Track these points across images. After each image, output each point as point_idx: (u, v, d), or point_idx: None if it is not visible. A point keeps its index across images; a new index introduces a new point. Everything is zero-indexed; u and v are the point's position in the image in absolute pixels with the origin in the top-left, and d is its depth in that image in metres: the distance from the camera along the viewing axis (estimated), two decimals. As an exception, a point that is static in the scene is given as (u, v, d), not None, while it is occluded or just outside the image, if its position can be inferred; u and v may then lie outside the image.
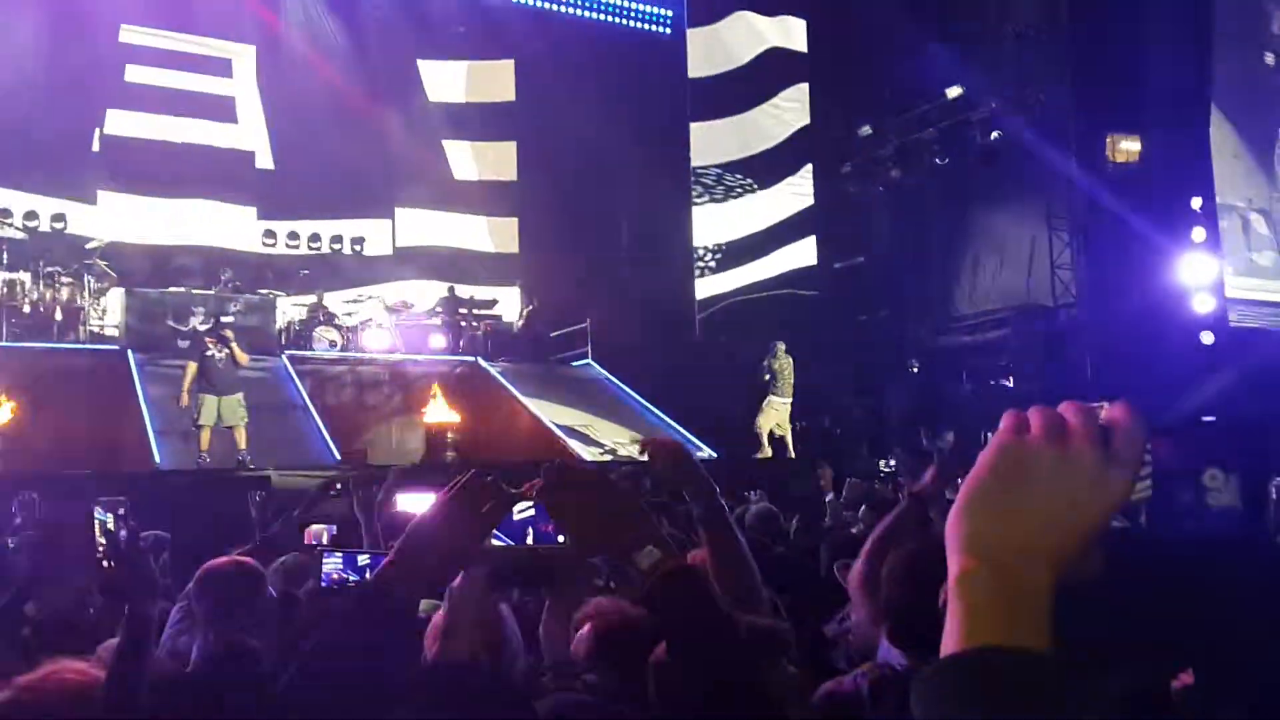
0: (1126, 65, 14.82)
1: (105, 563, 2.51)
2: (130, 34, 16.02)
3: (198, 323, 14.10)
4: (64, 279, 14.02)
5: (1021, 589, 0.75)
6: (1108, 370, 14.62)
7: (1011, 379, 16.07)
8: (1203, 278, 15.19)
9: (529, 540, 1.47)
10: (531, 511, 1.48)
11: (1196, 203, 15.18)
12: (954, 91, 16.91)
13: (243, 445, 11.58)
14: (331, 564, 2.82)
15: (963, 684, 0.72)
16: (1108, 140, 15.30)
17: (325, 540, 4.78)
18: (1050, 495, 0.77)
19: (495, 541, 1.46)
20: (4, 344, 13.30)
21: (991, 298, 16.70)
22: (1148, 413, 0.79)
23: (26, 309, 13.73)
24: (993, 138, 16.25)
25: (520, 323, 16.88)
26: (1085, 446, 0.77)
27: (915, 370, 17.04)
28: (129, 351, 13.58)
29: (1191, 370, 13.93)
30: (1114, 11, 15.01)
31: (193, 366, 11.58)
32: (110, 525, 2.57)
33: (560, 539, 1.47)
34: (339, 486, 5.86)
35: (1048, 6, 15.97)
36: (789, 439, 14.52)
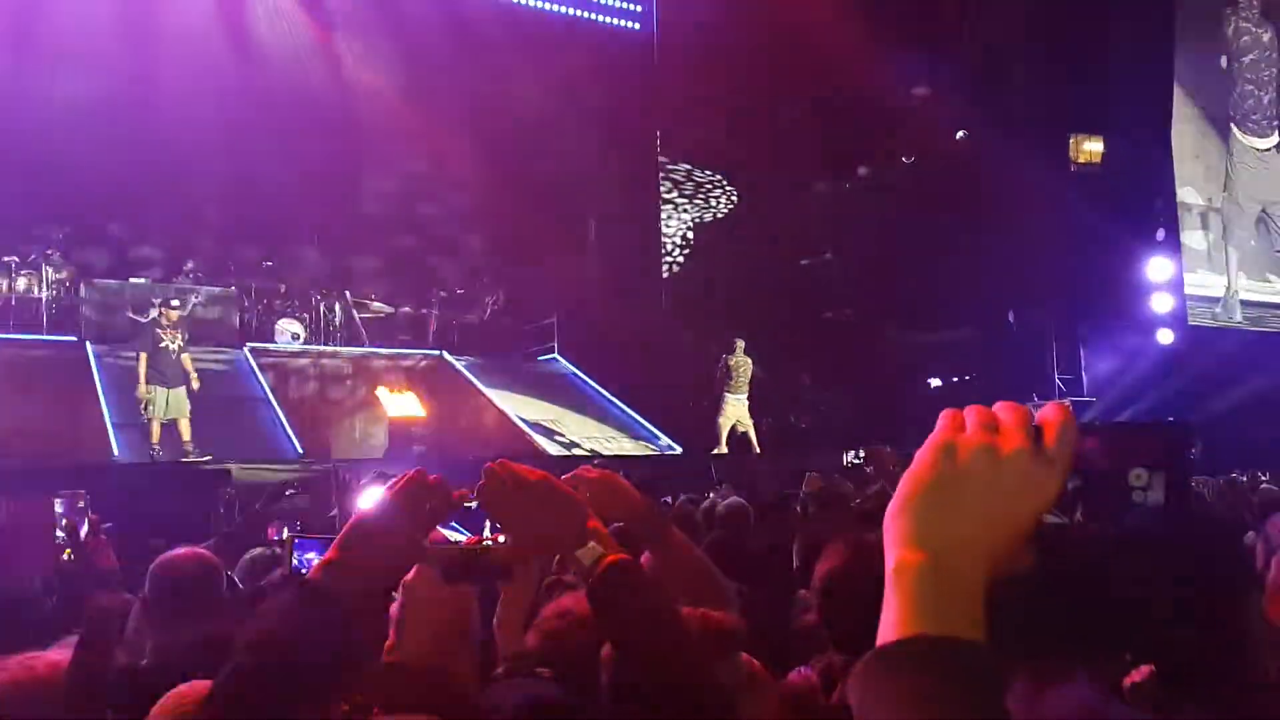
0: (1090, 66, 14.98)
1: (65, 553, 2.47)
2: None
3: (156, 314, 13.94)
4: (22, 270, 13.82)
5: (958, 582, 0.77)
6: (1071, 367, 14.79)
7: (975, 377, 16.21)
8: (1161, 276, 15.40)
9: (487, 531, 1.46)
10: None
11: (1159, 203, 15.38)
12: (920, 91, 17.02)
13: (187, 437, 11.48)
14: (308, 554, 2.76)
15: (899, 672, 0.73)
16: (1071, 140, 15.46)
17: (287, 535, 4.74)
18: (986, 492, 0.78)
19: (449, 533, 1.45)
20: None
21: (956, 296, 16.82)
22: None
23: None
24: (958, 137, 16.37)
25: (490, 314, 16.81)
26: (1019, 444, 0.79)
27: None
28: (87, 343, 13.40)
29: (1151, 367, 14.13)
30: (1078, 13, 15.15)
31: (144, 357, 11.45)
32: (70, 516, 2.53)
33: (501, 538, 1.45)
34: (296, 487, 5.84)
35: (1014, 7, 16.09)
36: (753, 435, 14.56)
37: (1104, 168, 15.49)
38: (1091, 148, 15.58)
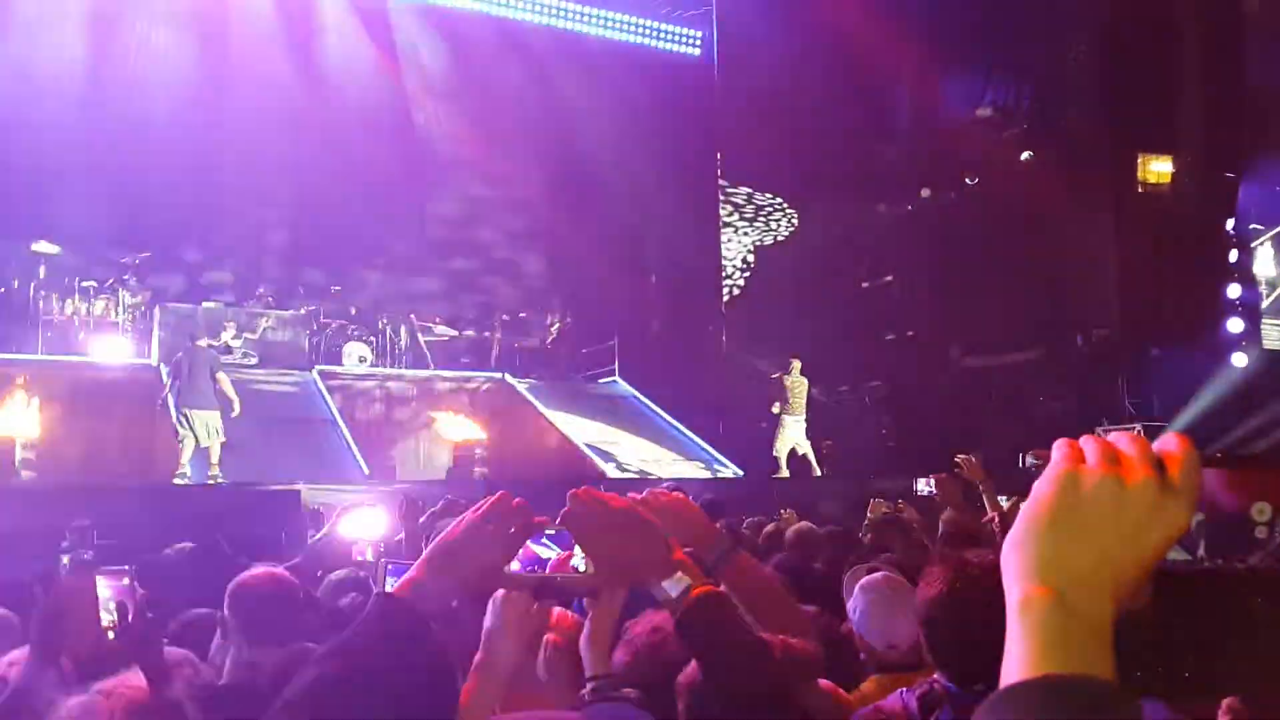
0: (1159, 85, 14.76)
1: (110, 633, 2.44)
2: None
3: (229, 337, 14.26)
4: (99, 294, 14.21)
5: (1084, 617, 0.75)
6: (1141, 393, 14.50)
7: (1043, 400, 15.94)
8: (1234, 299, 15.07)
9: (578, 552, 1.48)
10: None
11: (1230, 224, 15.07)
12: (984, 112, 16.89)
13: (215, 460, 11.53)
14: (400, 577, 2.79)
15: (1030, 711, 0.72)
16: (1139, 160, 15.22)
17: (370, 556, 4.81)
18: (1110, 525, 0.77)
19: (540, 548, 1.48)
20: (39, 356, 13.48)
21: (1023, 317, 16.60)
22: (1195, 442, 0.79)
23: (62, 323, 13.92)
24: (1023, 158, 16.20)
25: (552, 338, 16.91)
26: (1145, 476, 0.77)
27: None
28: (162, 365, 13.72)
29: (1224, 394, 13.79)
30: (1146, 30, 14.94)
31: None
32: (116, 596, 2.48)
33: (583, 566, 1.47)
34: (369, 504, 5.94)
35: (1079, 25, 15.91)
36: (812, 458, 14.46)
37: (1172, 188, 15.21)
38: (1160, 168, 15.31)
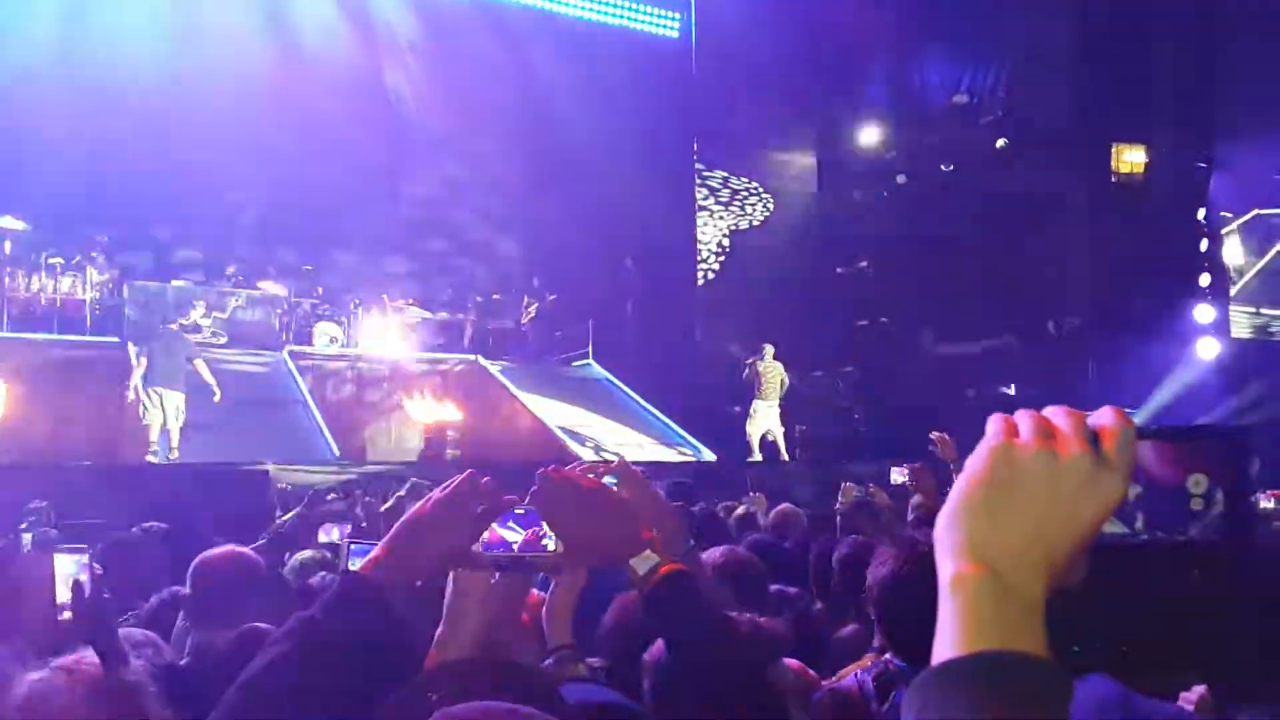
0: (1133, 72, 14.83)
1: (63, 615, 2.40)
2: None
3: (198, 316, 14.12)
4: (66, 271, 14.04)
5: (1017, 594, 0.74)
6: (1112, 378, 14.61)
7: (1015, 387, 16.04)
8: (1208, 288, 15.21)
9: (545, 529, 1.46)
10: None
11: (1201, 214, 15.19)
12: (960, 98, 16.92)
13: (175, 444, 11.48)
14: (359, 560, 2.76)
15: (964, 688, 0.71)
16: (1112, 150, 15.30)
17: (336, 536, 4.78)
18: (1043, 500, 0.75)
19: (506, 531, 1.45)
20: (6, 334, 13.31)
21: (995, 306, 16.69)
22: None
23: (28, 300, 13.75)
24: (998, 145, 16.25)
25: (529, 318, 16.80)
26: (1078, 449, 0.76)
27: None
28: (129, 344, 13.58)
29: (1196, 378, 13.95)
30: (1121, 18, 14.99)
31: (144, 361, 11.45)
32: (75, 575, 2.44)
33: (550, 545, 1.46)
34: (338, 491, 5.90)
35: (1054, 12, 15.95)
36: (781, 443, 14.50)
37: (1145, 177, 15.31)
38: (1133, 158, 15.40)
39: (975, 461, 0.78)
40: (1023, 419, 0.78)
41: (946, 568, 0.76)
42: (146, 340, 11.79)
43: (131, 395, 11.37)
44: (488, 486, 1.43)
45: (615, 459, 1.60)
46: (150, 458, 11.33)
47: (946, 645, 0.73)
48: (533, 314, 16.57)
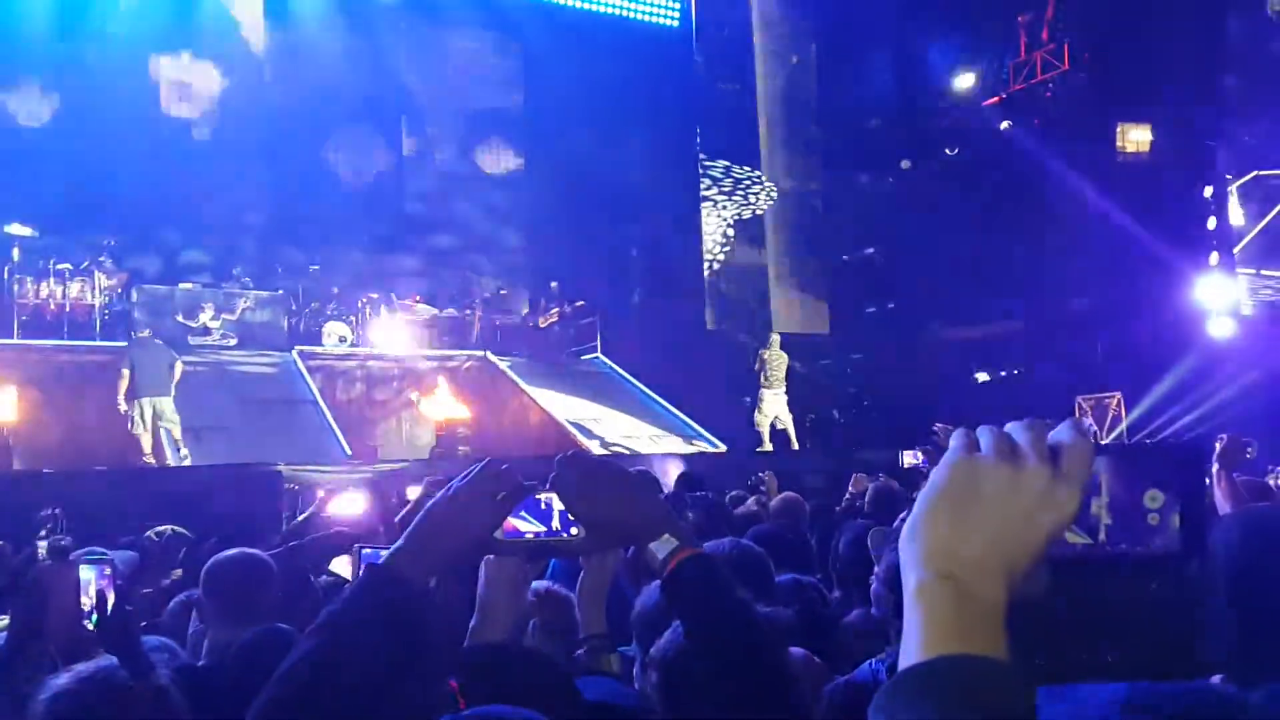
0: (1139, 52, 14.76)
1: (87, 621, 2.43)
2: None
3: (207, 318, 14.17)
4: (75, 276, 14.08)
5: (977, 601, 0.77)
6: (1120, 362, 14.59)
7: (1023, 370, 16.03)
8: (1213, 262, 15.15)
9: (555, 523, 1.47)
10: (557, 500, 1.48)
11: (1208, 191, 15.12)
12: (964, 82, 16.87)
13: (183, 447, 11.51)
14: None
15: (925, 693, 0.74)
16: (1118, 129, 15.24)
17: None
18: (1001, 511, 0.79)
19: (520, 522, 1.46)
20: (16, 341, 13.36)
21: (1003, 288, 16.66)
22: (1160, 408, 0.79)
23: (38, 306, 13.80)
24: (1001, 128, 16.22)
25: (550, 322, 16.63)
26: (1034, 464, 0.80)
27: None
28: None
29: (1205, 358, 13.90)
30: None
31: (127, 373, 11.41)
32: (97, 584, 2.47)
33: (573, 530, 1.47)
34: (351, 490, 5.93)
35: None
36: (791, 431, 14.50)
37: (1151, 156, 15.25)
38: (1138, 137, 15.35)
39: (937, 475, 0.82)
40: (984, 434, 0.83)
41: (910, 578, 0.80)
42: (127, 351, 11.71)
43: (122, 407, 11.30)
44: (507, 473, 1.44)
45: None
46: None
47: (910, 652, 0.77)
48: (554, 318, 16.43)
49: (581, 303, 16.48)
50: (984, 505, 0.79)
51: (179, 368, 11.63)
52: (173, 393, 11.46)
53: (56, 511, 6.02)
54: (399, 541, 1.39)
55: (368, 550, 2.57)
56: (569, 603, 2.15)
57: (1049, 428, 0.82)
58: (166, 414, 11.38)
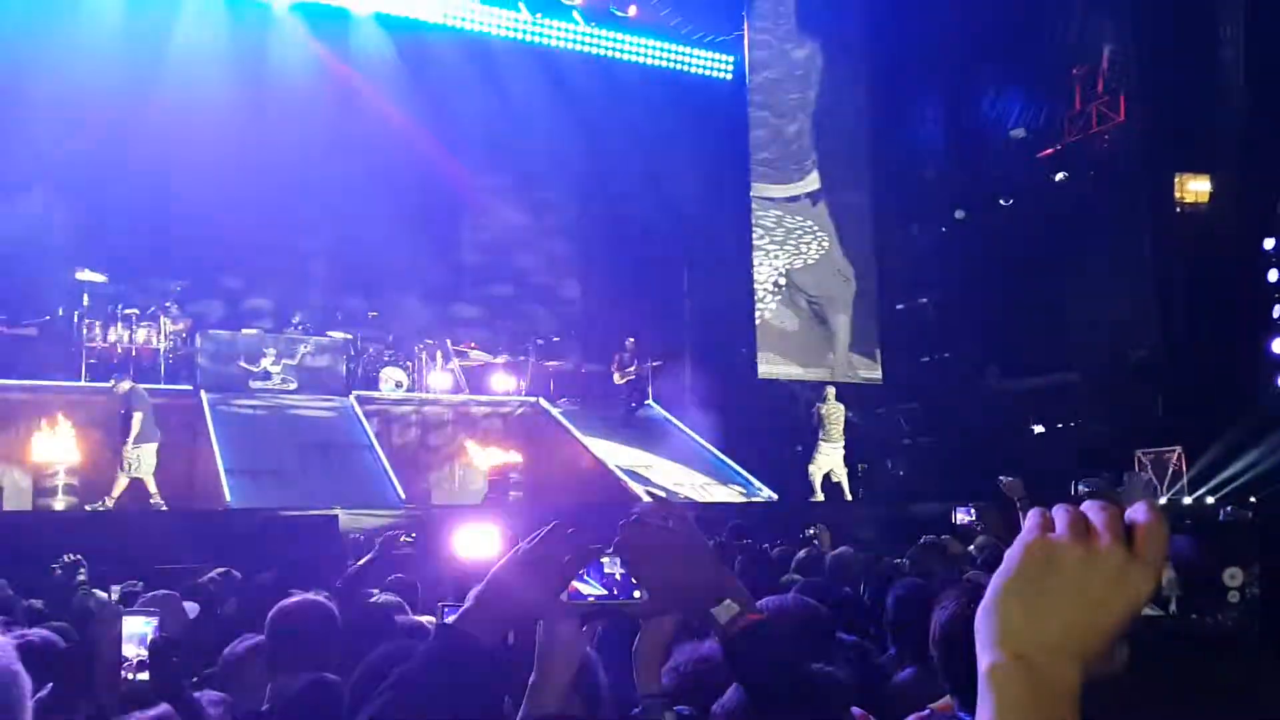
0: (1195, 102, 14.65)
1: (132, 675, 2.49)
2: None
3: (268, 363, 14.45)
4: (141, 321, 14.44)
5: (1051, 684, 0.77)
6: (1180, 415, 14.32)
7: (1081, 423, 15.79)
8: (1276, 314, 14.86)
9: (618, 586, 1.51)
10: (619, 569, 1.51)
11: (1269, 243, 14.88)
12: (1018, 133, 16.83)
13: (154, 489, 11.74)
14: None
15: None
16: (1176, 180, 15.09)
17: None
18: (1076, 592, 0.79)
19: (584, 585, 1.50)
20: (83, 384, 13.70)
21: (1060, 339, 16.47)
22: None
23: (105, 350, 14.15)
24: (1057, 179, 16.12)
25: (627, 379, 16.29)
26: (1109, 544, 0.80)
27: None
28: (202, 392, 13.91)
29: (1267, 418, 13.61)
30: (1182, 46, 14.83)
31: (140, 416, 11.71)
32: (142, 634, 2.53)
33: (636, 593, 1.51)
34: (413, 535, 5.99)
35: (1116, 44, 15.83)
36: (845, 483, 14.42)
37: (1211, 207, 15.06)
38: (1197, 187, 15.17)
39: (1012, 555, 0.83)
40: (1059, 514, 0.83)
41: (983, 658, 0.80)
42: (129, 397, 11.96)
43: (130, 450, 11.59)
44: (573, 537, 1.47)
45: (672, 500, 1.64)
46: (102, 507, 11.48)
47: None
48: (631, 375, 16.38)
49: (659, 363, 16.49)
50: (1058, 586, 0.79)
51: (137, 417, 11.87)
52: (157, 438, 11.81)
53: (77, 558, 6.12)
54: (467, 601, 1.44)
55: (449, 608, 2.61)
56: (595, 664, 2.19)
57: (1124, 508, 0.83)
58: (149, 459, 11.69)
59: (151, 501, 11.62)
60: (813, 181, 18.02)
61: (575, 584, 1.48)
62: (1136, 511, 0.82)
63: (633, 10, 17.97)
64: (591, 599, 1.50)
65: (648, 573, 1.46)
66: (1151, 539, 0.80)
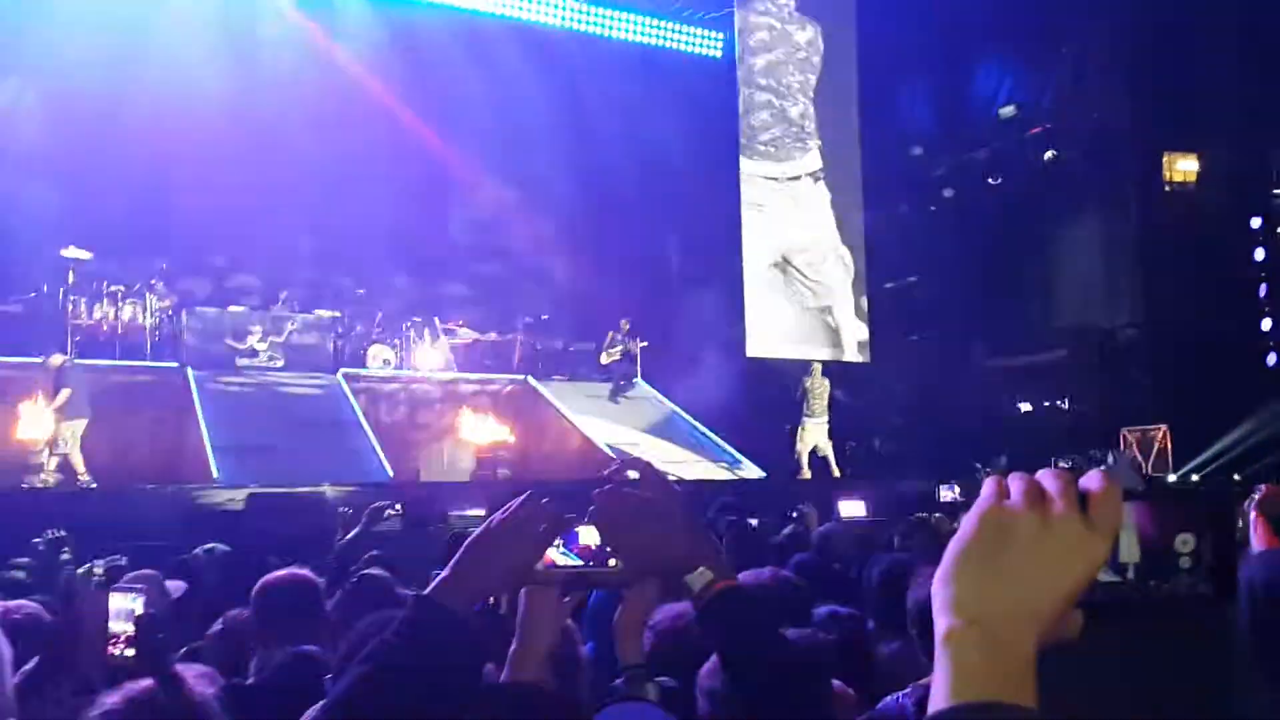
0: (1185, 81, 14.65)
1: (122, 650, 2.49)
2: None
3: (255, 341, 14.39)
4: (127, 298, 14.37)
5: (1006, 649, 0.78)
6: (1166, 393, 14.39)
7: (1068, 401, 15.86)
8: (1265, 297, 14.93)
9: (594, 556, 1.50)
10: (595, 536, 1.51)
11: (1256, 222, 14.94)
12: (1007, 111, 16.82)
13: (83, 468, 11.54)
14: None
15: None
16: (1164, 159, 15.11)
17: None
18: (1031, 559, 0.80)
19: (558, 555, 1.50)
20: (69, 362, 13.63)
21: (1047, 318, 16.52)
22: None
23: (91, 327, 14.09)
24: (1046, 158, 16.12)
25: (614, 360, 16.40)
26: (1063, 511, 0.81)
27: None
28: (189, 369, 13.87)
29: (1255, 393, 13.70)
30: (1173, 24, 14.82)
31: (68, 392, 11.48)
32: (130, 610, 2.54)
33: (612, 562, 1.50)
34: (398, 507, 5.99)
35: (1104, 23, 15.81)
36: (832, 459, 14.46)
37: (1198, 186, 15.10)
38: (1185, 166, 15.20)
39: (967, 523, 0.83)
40: (1014, 481, 0.83)
41: (939, 624, 0.81)
42: (60, 372, 11.73)
43: (57, 424, 11.39)
44: (548, 506, 1.48)
45: (641, 461, 1.62)
46: (42, 479, 11.38)
47: (938, 698, 0.78)
48: (617, 355, 16.40)
49: (645, 343, 16.49)
50: (1014, 553, 0.80)
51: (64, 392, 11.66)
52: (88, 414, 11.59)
53: (61, 534, 6.11)
54: (444, 571, 1.43)
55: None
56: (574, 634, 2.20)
57: (1078, 474, 0.83)
58: (79, 435, 11.49)
59: (79, 480, 11.35)
60: (814, 160, 17.98)
61: (551, 553, 1.49)
62: (1090, 480, 0.82)
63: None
64: (567, 568, 1.50)
65: (623, 541, 1.46)
66: (1105, 506, 0.81)
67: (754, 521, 6.60)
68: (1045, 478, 0.83)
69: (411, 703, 1.31)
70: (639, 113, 16.78)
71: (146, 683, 2.25)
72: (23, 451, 11.80)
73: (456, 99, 17.29)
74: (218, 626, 3.46)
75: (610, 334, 16.30)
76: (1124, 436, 14.37)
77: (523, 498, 1.49)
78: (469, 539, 1.46)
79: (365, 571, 4.13)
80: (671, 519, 1.47)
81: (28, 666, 2.76)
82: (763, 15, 17.80)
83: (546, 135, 17.26)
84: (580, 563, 1.50)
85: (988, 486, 0.84)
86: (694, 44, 18.53)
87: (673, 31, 18.37)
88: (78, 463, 11.47)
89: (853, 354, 17.33)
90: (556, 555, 1.51)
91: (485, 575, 1.44)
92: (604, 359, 16.28)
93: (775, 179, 17.69)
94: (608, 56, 17.67)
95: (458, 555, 1.44)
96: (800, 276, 17.52)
